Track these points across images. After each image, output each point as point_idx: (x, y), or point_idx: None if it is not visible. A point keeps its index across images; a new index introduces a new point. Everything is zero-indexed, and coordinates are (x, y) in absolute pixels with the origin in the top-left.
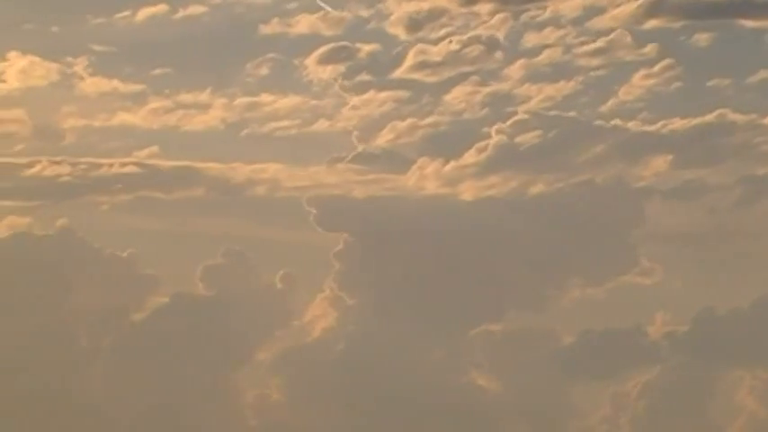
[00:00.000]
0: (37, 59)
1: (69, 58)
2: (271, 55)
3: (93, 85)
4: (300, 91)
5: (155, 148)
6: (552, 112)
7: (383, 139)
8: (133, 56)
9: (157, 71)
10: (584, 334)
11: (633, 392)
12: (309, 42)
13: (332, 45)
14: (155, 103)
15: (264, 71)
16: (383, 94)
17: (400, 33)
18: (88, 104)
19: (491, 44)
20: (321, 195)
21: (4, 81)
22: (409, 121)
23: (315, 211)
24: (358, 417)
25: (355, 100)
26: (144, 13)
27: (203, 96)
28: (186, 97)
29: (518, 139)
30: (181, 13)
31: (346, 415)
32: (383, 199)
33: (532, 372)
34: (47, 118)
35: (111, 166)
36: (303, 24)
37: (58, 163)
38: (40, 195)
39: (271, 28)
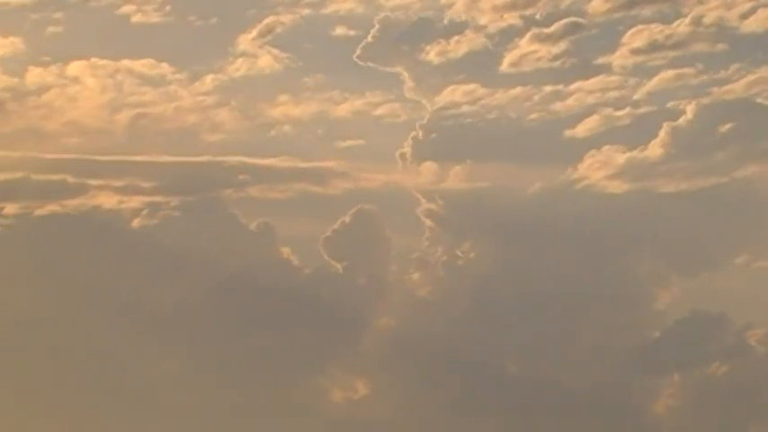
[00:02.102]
0: (275, 51)
1: (306, 45)
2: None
3: (314, 75)
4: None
5: (360, 141)
6: (759, 99)
7: (584, 127)
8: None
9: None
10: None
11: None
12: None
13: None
14: (371, 97)
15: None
16: (592, 80)
17: (609, 11)
18: (306, 95)
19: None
20: (483, 190)
21: (221, 72)
22: (606, 108)
23: (466, 208)
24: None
25: (563, 88)
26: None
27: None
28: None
29: (704, 128)
30: None
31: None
32: (539, 193)
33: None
34: (258, 109)
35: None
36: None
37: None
38: (195, 190)
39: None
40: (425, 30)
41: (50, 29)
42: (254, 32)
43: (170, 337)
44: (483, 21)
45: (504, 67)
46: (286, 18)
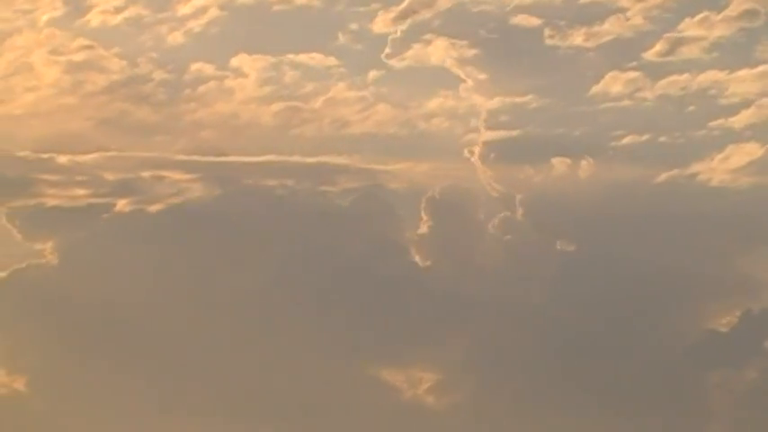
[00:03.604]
0: (448, 41)
1: (482, 33)
2: None
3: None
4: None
5: (513, 132)
6: None
7: (736, 119)
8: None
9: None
10: None
11: None
12: None
13: None
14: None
15: None
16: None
17: None
18: (467, 87)
19: None
20: (606, 186)
21: (383, 65)
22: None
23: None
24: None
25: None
26: None
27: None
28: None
29: None
30: None
31: None
32: (658, 187)
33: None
34: (414, 102)
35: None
36: None
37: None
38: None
39: None
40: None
41: (215, 20)
42: (395, 13)
43: (277, 329)
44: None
45: (659, 52)
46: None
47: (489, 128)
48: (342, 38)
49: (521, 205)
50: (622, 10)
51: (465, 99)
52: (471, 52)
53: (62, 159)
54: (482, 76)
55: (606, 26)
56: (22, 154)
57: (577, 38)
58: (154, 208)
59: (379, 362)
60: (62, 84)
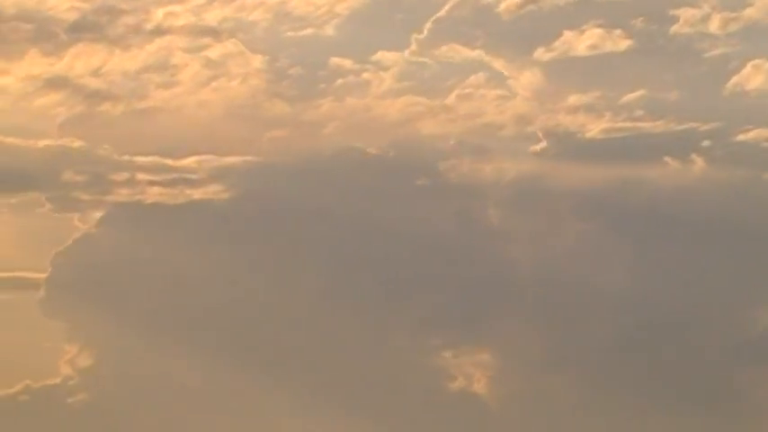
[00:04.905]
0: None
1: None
2: None
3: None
4: None
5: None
6: None
7: None
8: None
9: None
10: None
11: None
12: None
13: None
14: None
15: None
16: None
17: None
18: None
19: None
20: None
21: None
22: None
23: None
24: None
25: None
26: None
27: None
28: None
29: None
30: None
31: None
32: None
33: None
34: (557, 98)
35: None
36: None
37: None
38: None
39: None
40: None
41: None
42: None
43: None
44: None
45: None
46: None
47: (621, 121)
48: (487, 28)
49: (631, 200)
50: None
51: (606, 92)
52: (626, 43)
53: (166, 161)
54: (624, 69)
55: (749, 11)
56: (123, 158)
57: (716, 24)
58: (249, 206)
59: (444, 348)
60: (198, 78)
